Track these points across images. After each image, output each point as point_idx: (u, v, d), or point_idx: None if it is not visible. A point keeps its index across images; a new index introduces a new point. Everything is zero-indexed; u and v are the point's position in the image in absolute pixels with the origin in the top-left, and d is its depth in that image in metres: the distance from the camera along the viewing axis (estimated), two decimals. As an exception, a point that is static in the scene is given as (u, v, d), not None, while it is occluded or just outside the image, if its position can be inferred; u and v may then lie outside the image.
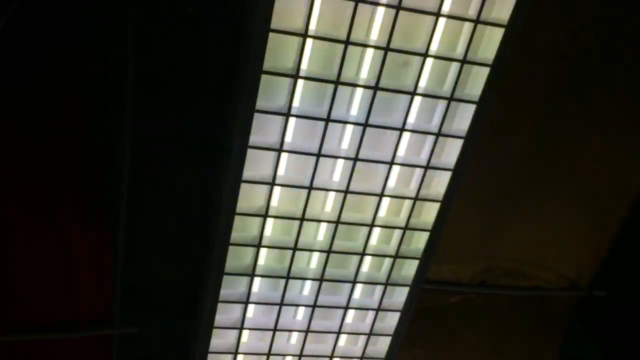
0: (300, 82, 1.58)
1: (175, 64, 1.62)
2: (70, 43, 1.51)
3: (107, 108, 1.62)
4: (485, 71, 1.60)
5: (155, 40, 1.57)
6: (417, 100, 1.67)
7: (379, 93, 1.61)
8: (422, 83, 1.65)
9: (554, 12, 1.73)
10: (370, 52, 1.61)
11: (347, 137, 1.74)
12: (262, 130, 1.65)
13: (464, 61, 1.58)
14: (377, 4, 1.48)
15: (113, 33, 1.52)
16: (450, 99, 1.64)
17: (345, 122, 1.67)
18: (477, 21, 1.53)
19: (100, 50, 1.54)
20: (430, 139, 1.72)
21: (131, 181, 1.75)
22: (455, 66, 1.62)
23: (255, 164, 1.69)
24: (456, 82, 1.62)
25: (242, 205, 1.72)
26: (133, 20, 1.50)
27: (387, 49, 1.54)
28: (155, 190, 1.81)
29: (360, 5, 1.46)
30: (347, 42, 1.52)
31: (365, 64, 1.64)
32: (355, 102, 1.69)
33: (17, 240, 1.80)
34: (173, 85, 1.64)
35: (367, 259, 1.94)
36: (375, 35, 1.58)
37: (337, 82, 1.57)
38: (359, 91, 1.66)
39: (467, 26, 1.57)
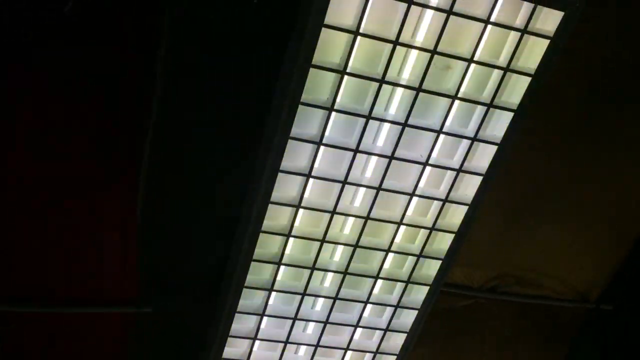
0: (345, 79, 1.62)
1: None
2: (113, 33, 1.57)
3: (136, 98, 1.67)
4: (525, 80, 1.65)
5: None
6: (456, 104, 1.71)
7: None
8: (463, 88, 1.69)
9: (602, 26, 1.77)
10: (413, 54, 1.65)
11: (382, 137, 1.79)
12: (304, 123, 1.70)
13: (507, 69, 1.63)
14: (427, 6, 1.53)
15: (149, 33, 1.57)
16: (490, 105, 1.68)
17: (384, 121, 1.71)
18: (524, 31, 1.57)
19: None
20: (465, 143, 1.76)
21: (155, 164, 1.78)
22: (497, 73, 1.66)
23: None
24: (497, 89, 1.66)
25: (276, 195, 1.76)
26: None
27: (433, 51, 1.58)
28: (179, 173, 1.85)
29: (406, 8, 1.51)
30: (395, 42, 1.56)
31: (408, 67, 1.68)
32: (395, 102, 1.73)
33: (49, 220, 1.84)
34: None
35: (390, 257, 1.97)
36: (421, 37, 1.62)
37: (381, 81, 1.62)
38: (399, 92, 1.70)
39: (513, 35, 1.62)
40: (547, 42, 1.58)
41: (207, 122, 1.75)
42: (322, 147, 1.71)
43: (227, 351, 2.06)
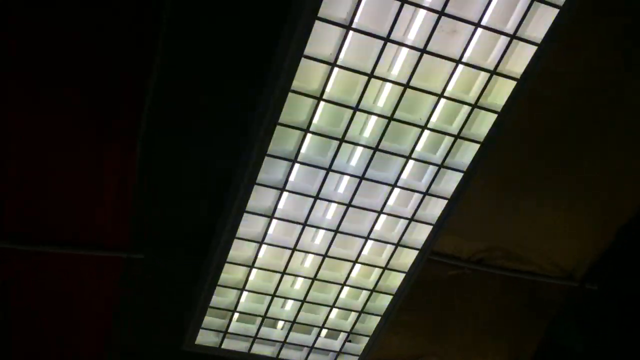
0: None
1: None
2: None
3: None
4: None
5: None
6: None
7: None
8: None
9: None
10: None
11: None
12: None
13: (493, 71, 1.68)
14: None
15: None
16: (493, 72, 1.69)
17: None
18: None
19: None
20: (466, 108, 1.77)
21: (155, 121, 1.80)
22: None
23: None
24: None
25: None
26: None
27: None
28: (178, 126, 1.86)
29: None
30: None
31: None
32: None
33: (53, 159, 1.85)
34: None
35: (382, 219, 1.99)
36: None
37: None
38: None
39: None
40: (555, 11, 1.57)
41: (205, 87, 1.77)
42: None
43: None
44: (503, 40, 1.63)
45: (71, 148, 1.82)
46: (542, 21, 1.61)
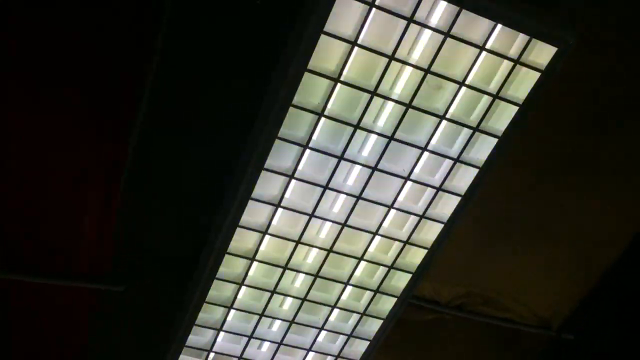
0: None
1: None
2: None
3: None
4: (513, 109, 1.69)
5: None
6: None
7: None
8: (452, 109, 1.72)
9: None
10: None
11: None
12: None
13: (496, 96, 1.67)
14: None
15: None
16: (476, 129, 1.72)
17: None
18: (516, 61, 1.61)
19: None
20: (448, 162, 1.79)
21: (143, 147, 1.80)
22: (486, 99, 1.71)
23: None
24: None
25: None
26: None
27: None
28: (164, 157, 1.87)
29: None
30: (391, 57, 1.59)
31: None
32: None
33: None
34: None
35: (362, 265, 2.00)
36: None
37: (373, 93, 1.64)
38: (389, 106, 1.74)
39: (506, 64, 1.66)
40: (537, 74, 1.61)
41: (200, 114, 1.78)
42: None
43: (191, 339, 2.07)
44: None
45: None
46: (525, 83, 1.66)
